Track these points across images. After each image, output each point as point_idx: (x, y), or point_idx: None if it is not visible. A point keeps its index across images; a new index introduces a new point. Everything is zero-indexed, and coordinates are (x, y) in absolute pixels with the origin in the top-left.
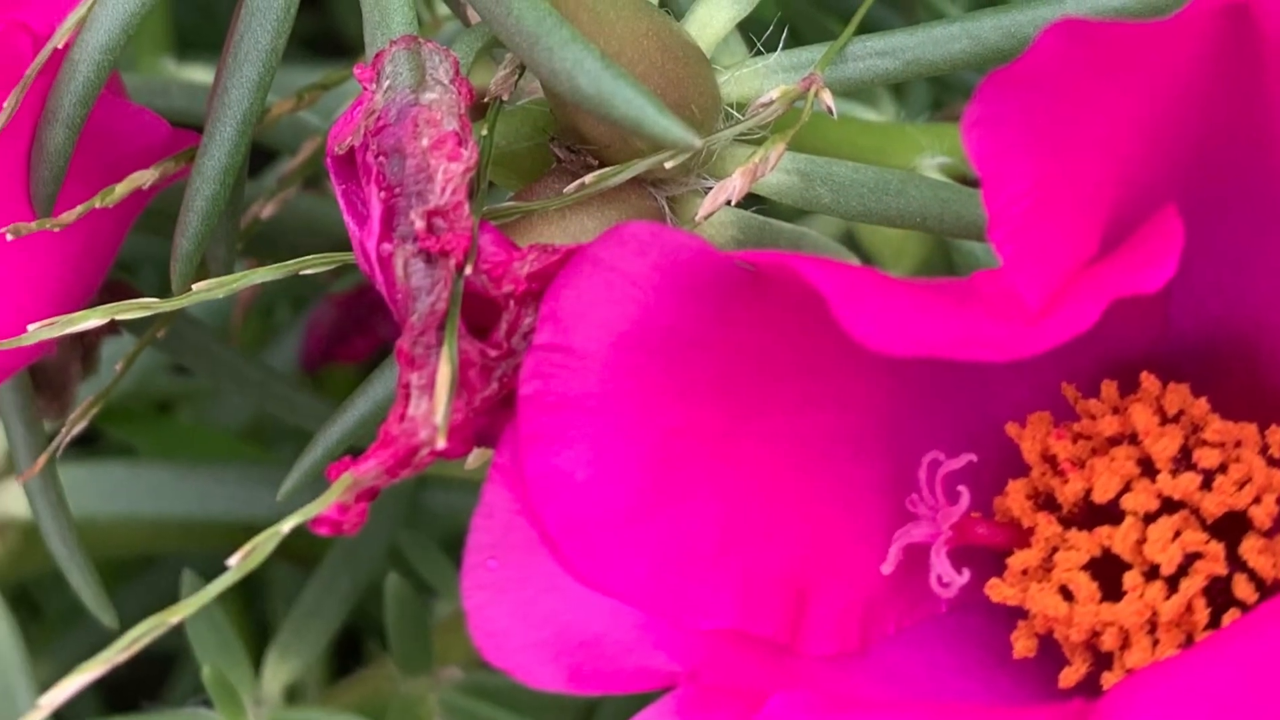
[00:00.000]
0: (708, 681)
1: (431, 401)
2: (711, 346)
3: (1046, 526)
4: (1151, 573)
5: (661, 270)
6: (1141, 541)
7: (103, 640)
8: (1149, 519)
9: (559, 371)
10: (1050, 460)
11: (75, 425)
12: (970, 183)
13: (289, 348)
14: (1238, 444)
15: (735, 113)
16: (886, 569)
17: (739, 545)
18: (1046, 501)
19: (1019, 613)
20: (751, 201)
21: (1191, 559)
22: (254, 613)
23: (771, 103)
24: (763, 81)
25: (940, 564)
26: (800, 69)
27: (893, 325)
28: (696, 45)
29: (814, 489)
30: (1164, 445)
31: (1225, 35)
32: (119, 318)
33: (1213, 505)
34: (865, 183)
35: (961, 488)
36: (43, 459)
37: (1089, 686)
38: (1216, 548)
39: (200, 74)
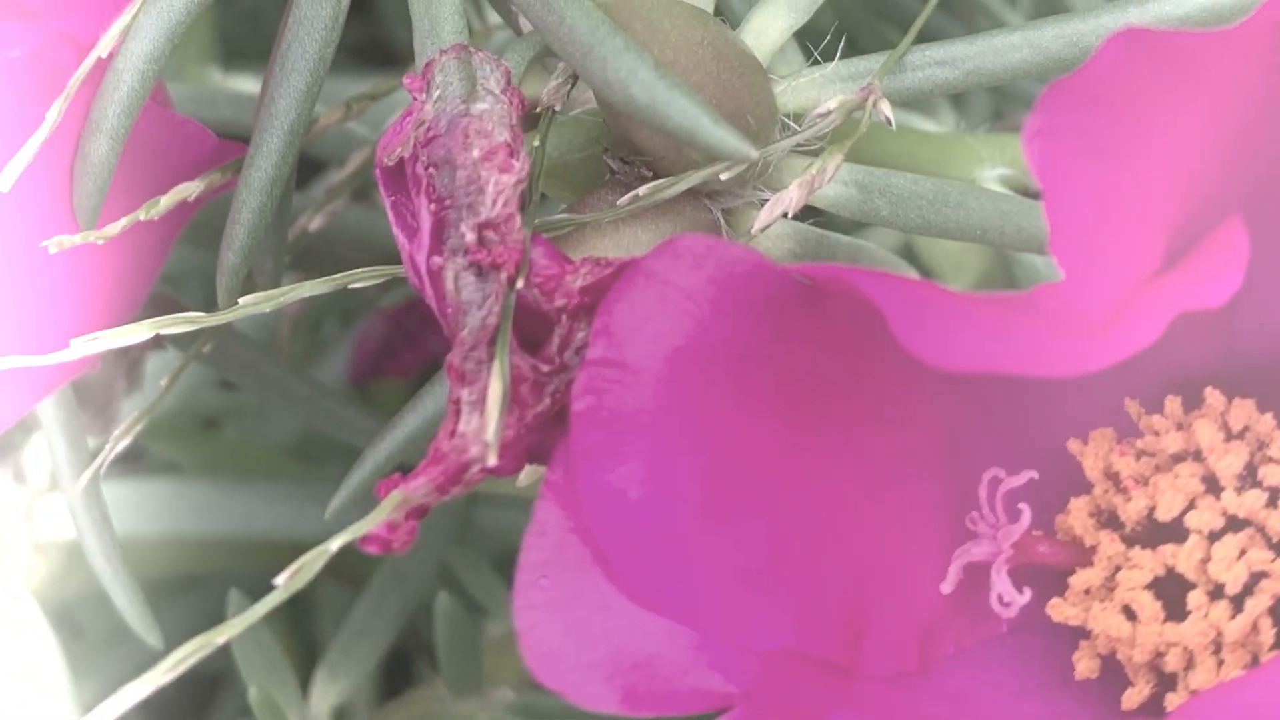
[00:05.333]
0: (764, 703)
1: (483, 417)
2: (768, 362)
3: (1109, 545)
4: (1216, 592)
5: (717, 284)
6: (1206, 560)
7: (147, 661)
8: (1214, 537)
9: (612, 387)
10: (1113, 477)
11: (119, 442)
12: (1031, 194)
13: (337, 362)
14: None
15: (792, 123)
16: (946, 588)
17: (796, 564)
18: (1109, 519)
19: (1081, 633)
20: (808, 214)
21: (1257, 578)
22: (301, 633)
23: (829, 113)
24: (820, 91)
25: (1001, 583)
26: (858, 78)
27: (952, 340)
28: (752, 54)
29: (872, 507)
30: (1229, 462)
31: None
32: (164, 332)
33: (1279, 523)
34: (924, 195)
35: (1022, 505)
36: (86, 476)
37: (1153, 708)
38: None
39: (247, 84)
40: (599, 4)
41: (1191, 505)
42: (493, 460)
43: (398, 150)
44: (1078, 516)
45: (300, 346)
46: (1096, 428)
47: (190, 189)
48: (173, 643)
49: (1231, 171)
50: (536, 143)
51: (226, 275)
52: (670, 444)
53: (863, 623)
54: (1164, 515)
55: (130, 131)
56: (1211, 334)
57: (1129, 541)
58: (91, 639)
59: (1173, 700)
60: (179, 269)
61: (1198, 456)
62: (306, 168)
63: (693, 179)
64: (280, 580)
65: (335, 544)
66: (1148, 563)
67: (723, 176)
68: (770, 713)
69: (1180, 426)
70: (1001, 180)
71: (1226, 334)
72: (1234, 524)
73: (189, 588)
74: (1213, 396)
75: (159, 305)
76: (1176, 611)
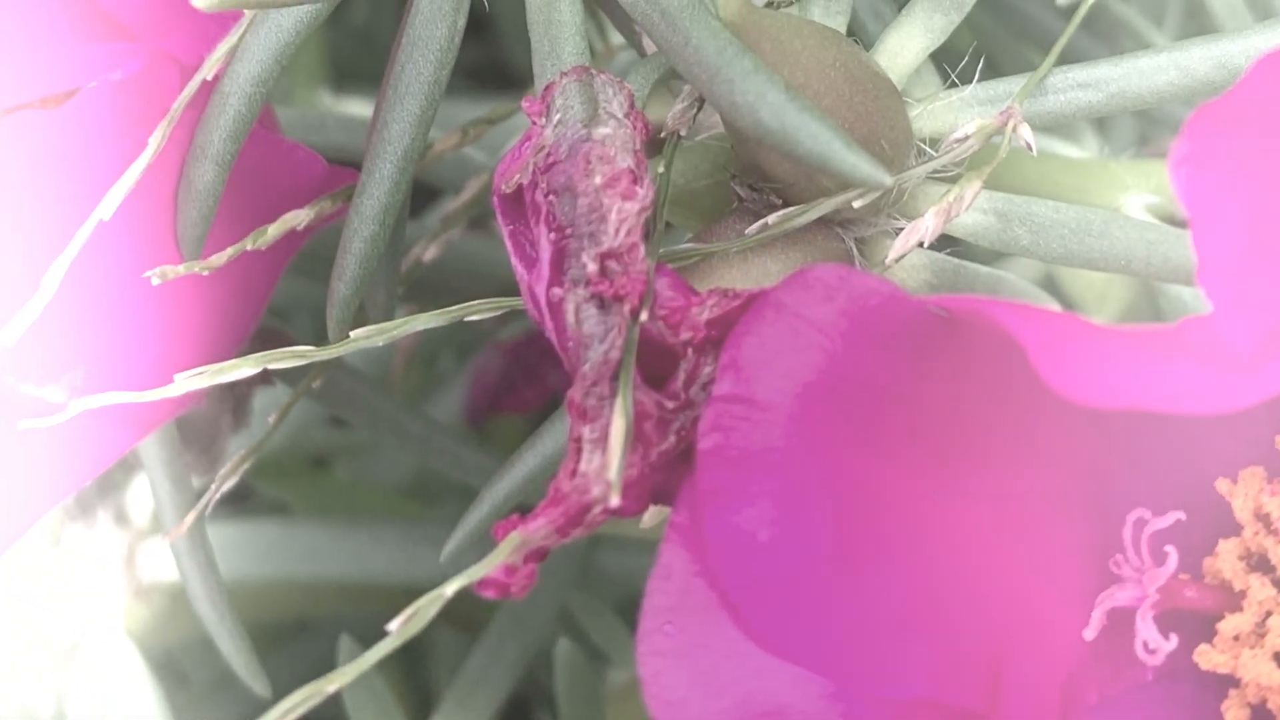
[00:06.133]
0: None
1: (605, 456)
2: (903, 398)
3: (1260, 589)
4: None
5: (850, 316)
6: None
7: (254, 710)
8: None
9: (740, 424)
10: (1264, 519)
11: (225, 481)
12: (1178, 223)
13: (453, 398)
14: None
15: (928, 148)
16: (1089, 634)
17: (932, 609)
18: (1259, 563)
19: (1230, 681)
20: (945, 243)
21: None
22: (415, 681)
23: (967, 138)
24: (957, 115)
25: (1146, 629)
26: (997, 102)
27: (1095, 376)
28: (887, 76)
29: (1011, 549)
30: None
31: None
32: (272, 367)
33: None
34: (1066, 223)
35: (1169, 548)
36: (191, 517)
37: None
38: None
39: (358, 107)
40: (727, 24)
41: None
42: (615, 501)
43: (516, 177)
44: (1226, 559)
45: (414, 382)
46: (1246, 466)
47: (299, 217)
48: (281, 691)
49: None
50: (661, 169)
51: (337, 307)
52: (800, 484)
53: (1002, 670)
54: None
55: (236, 157)
56: None
57: None
58: (196, 687)
59: None
60: (287, 301)
61: None
62: (421, 195)
63: (824, 207)
64: (393, 626)
65: (451, 588)
66: None
67: (855, 204)
68: None
69: None
70: (1147, 208)
71: None
72: None
73: (298, 633)
74: None
75: (266, 339)
76: None
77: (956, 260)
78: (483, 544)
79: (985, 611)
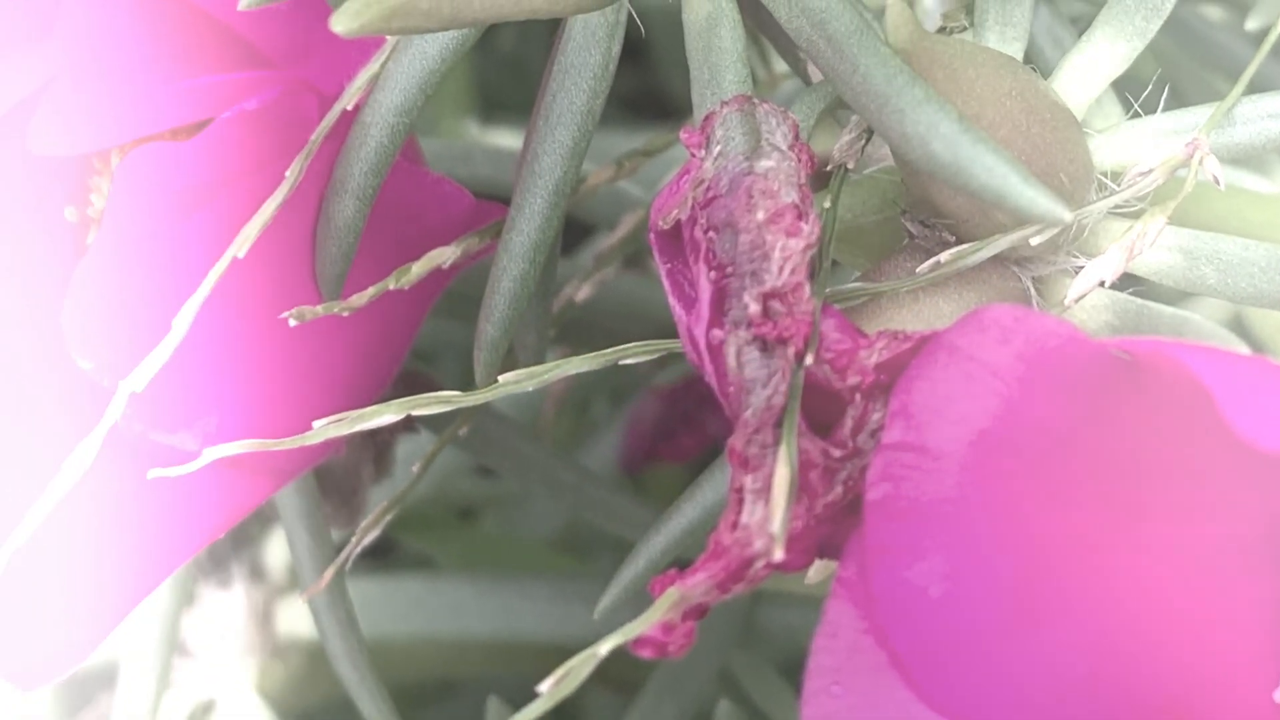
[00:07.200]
0: None
1: (768, 507)
2: (1082, 446)
3: None
4: None
5: (1027, 360)
6: None
7: None
8: None
9: (911, 474)
10: None
11: (367, 534)
12: None
13: (607, 446)
14: None
15: (1109, 182)
16: (1278, 696)
17: (1112, 669)
18: None
19: None
20: (1127, 282)
21: None
22: None
23: (1150, 171)
24: (1140, 147)
25: None
26: (1183, 133)
27: None
28: (1065, 106)
29: (1194, 606)
30: None
31: None
32: (416, 413)
33: None
34: (1257, 261)
35: None
36: (330, 572)
37: None
38: None
39: (507, 138)
40: (897, 50)
41: None
42: (779, 555)
43: (674, 212)
44: None
45: (566, 429)
46: None
47: (444, 255)
48: None
49: None
50: (827, 204)
51: (485, 350)
52: (975, 537)
53: None
54: None
55: (378, 191)
56: None
57: None
58: None
59: None
60: (432, 343)
61: None
62: (573, 231)
63: (1000, 244)
64: (544, 687)
65: (605, 647)
66: None
67: (1033, 241)
68: None
69: None
70: None
71: None
72: None
73: (443, 694)
74: None
75: (410, 383)
76: None
77: (1139, 300)
78: (638, 600)
79: (1167, 670)
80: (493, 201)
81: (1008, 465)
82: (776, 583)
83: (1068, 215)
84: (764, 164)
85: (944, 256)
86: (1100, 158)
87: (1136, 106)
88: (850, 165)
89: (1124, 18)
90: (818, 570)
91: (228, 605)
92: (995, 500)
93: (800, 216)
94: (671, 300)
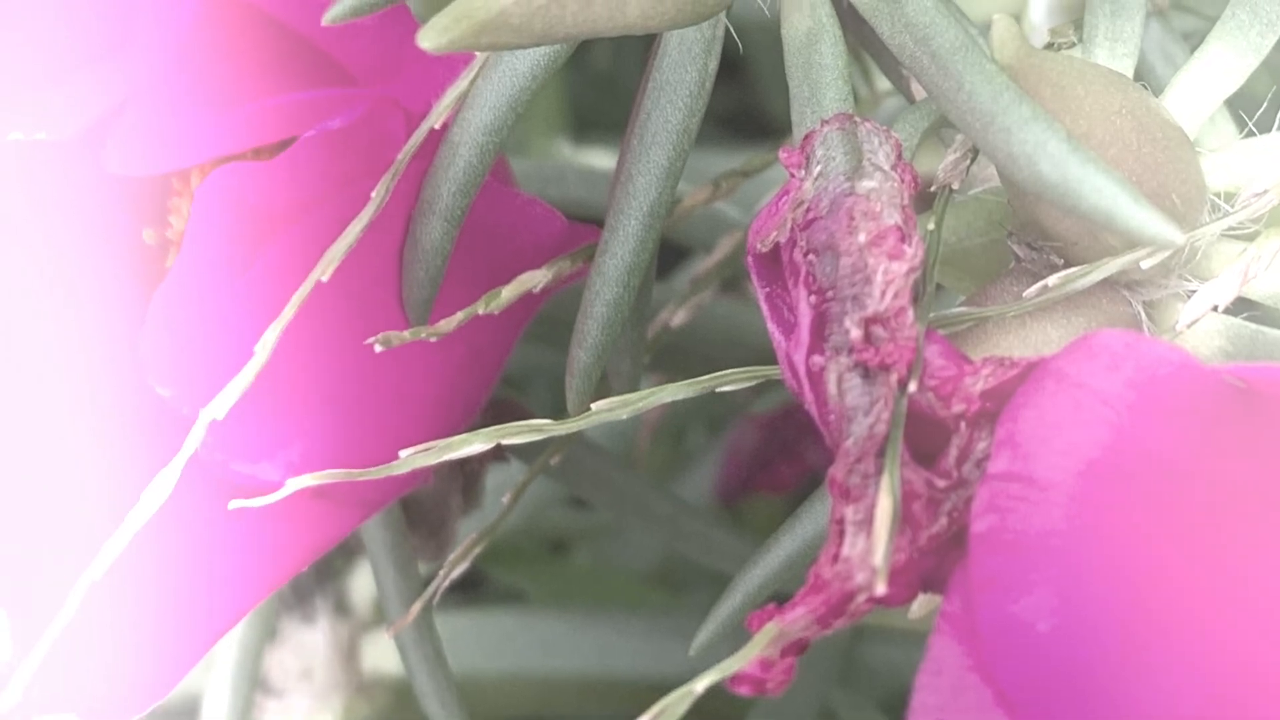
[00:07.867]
0: None
1: (870, 539)
2: (1196, 478)
3: None
4: None
5: (1137, 388)
6: None
7: None
8: None
9: (1018, 505)
10: None
11: (455, 567)
12: None
13: (703, 476)
14: None
15: (1223, 203)
16: None
17: (1227, 708)
18: None
19: None
20: (1242, 307)
21: None
22: None
23: (1265, 192)
24: (1255, 167)
25: None
26: None
27: None
28: (1177, 125)
29: None
30: None
31: None
32: (506, 442)
33: None
34: None
35: None
36: (417, 607)
37: None
38: None
39: (601, 158)
40: (1003, 67)
41: None
42: (881, 588)
43: (773, 234)
44: None
45: (661, 458)
46: None
47: (536, 278)
48: None
49: None
50: (931, 226)
51: (578, 377)
52: (1085, 570)
53: None
54: None
55: (467, 213)
56: None
57: None
58: None
59: None
60: (523, 370)
61: None
62: (668, 254)
63: (1110, 267)
64: None
65: (701, 684)
66: None
67: (1144, 264)
68: None
69: None
70: None
71: None
72: None
73: None
74: None
75: (500, 411)
76: None
77: (1254, 326)
78: (736, 636)
79: None
80: (586, 223)
81: (1118, 496)
82: (878, 617)
83: (1180, 237)
84: (866, 184)
85: (1052, 280)
86: (1213, 178)
87: (1251, 125)
88: (955, 186)
89: (1238, 33)
90: (921, 605)
91: (312, 641)
92: (1105, 533)
93: (903, 239)
94: (770, 325)
